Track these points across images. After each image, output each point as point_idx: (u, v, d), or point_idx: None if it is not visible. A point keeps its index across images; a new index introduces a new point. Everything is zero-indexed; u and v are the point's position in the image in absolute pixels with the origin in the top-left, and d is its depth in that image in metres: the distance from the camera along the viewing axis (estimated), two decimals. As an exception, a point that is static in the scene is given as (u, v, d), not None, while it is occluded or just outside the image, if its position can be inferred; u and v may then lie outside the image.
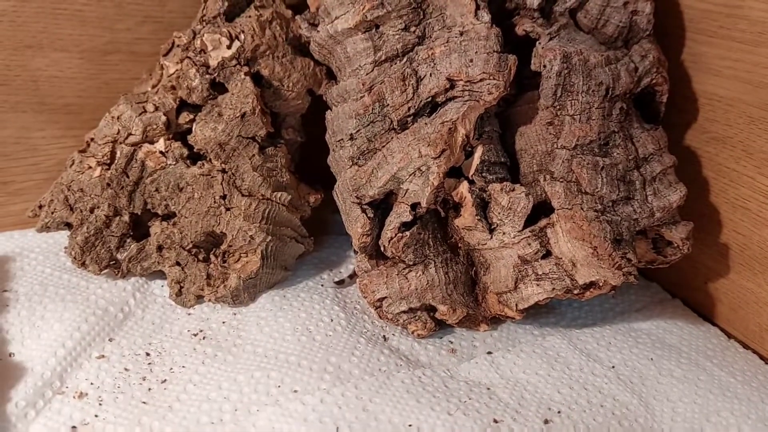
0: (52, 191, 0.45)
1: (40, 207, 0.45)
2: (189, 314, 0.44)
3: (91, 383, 0.39)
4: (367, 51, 0.42)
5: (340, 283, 0.48)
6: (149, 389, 0.38)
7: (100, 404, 0.37)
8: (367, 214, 0.43)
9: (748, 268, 0.44)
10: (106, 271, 0.46)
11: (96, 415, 0.36)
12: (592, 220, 0.39)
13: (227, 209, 0.44)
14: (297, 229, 0.48)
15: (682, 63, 0.45)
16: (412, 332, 0.43)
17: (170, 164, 0.44)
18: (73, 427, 0.36)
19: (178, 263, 0.44)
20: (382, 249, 0.43)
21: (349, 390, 0.38)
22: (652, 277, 0.52)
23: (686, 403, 0.39)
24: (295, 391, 0.38)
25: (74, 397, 0.38)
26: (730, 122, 0.43)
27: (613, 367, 0.42)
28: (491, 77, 0.40)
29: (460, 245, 0.44)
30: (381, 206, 0.44)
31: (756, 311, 0.44)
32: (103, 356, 0.41)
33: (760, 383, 0.41)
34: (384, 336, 0.44)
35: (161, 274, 0.46)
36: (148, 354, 0.41)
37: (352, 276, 0.49)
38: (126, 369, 0.40)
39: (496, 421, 0.37)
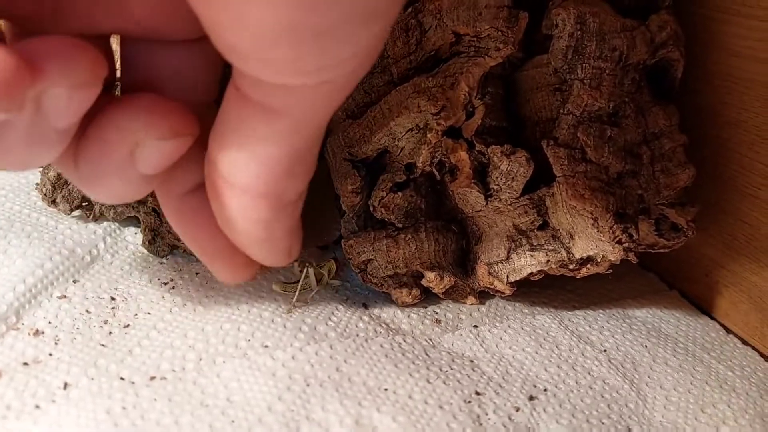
0: (27, 122, 0.42)
1: (13, 138, 0.42)
2: (161, 263, 0.42)
3: (49, 322, 0.36)
4: (371, -2, 0.40)
5: (324, 247, 0.46)
6: (110, 333, 0.36)
7: (56, 343, 0.35)
8: (358, 172, 0.40)
9: (754, 260, 0.42)
10: (77, 212, 0.43)
11: (50, 354, 0.34)
12: (594, 189, 0.37)
13: (211, 155, 0.42)
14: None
15: (699, 42, 0.43)
16: (396, 299, 0.41)
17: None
18: (25, 363, 0.33)
19: (154, 210, 0.42)
20: (371, 210, 0.41)
21: (324, 349, 0.35)
22: (651, 267, 0.49)
23: (681, 393, 0.37)
24: (266, 346, 0.35)
25: (29, 334, 0.35)
26: (746, 105, 0.41)
27: (605, 350, 0.40)
28: (500, 32, 0.38)
29: (453, 213, 0.42)
30: (374, 166, 0.42)
31: (758, 306, 0.42)
32: (64, 296, 0.38)
33: (759, 379, 0.39)
34: (364, 303, 0.41)
35: (135, 222, 0.44)
36: (113, 298, 0.39)
37: (337, 240, 0.46)
38: (87, 311, 0.37)
39: (478, 393, 0.35)
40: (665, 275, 0.49)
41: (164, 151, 0.21)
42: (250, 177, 0.22)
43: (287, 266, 0.38)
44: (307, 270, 0.39)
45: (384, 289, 0.41)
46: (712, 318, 0.45)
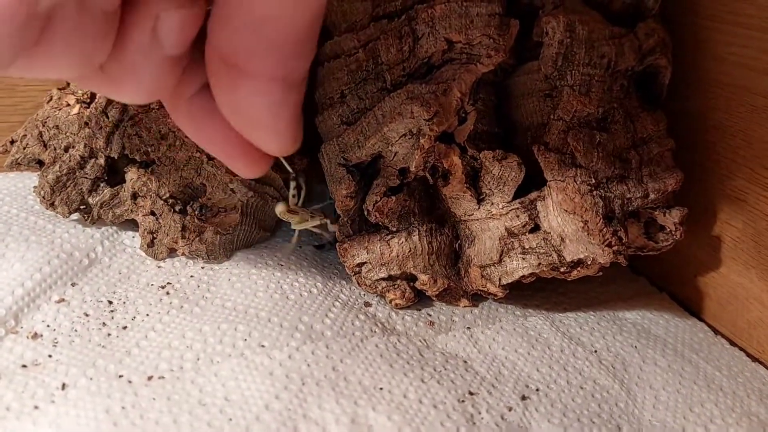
0: (26, 126, 0.43)
1: (12, 142, 0.43)
2: (159, 267, 0.42)
3: (48, 325, 0.37)
4: (365, 5, 0.41)
5: (320, 247, 0.47)
6: (108, 334, 0.36)
7: (54, 345, 0.35)
8: (352, 176, 0.41)
9: (741, 262, 0.43)
10: (75, 215, 0.43)
11: (49, 356, 0.34)
12: (584, 193, 0.38)
13: (209, 159, 0.42)
14: (280, 189, 0.46)
15: (686, 48, 0.44)
16: (390, 301, 0.42)
17: (154, 108, 0.42)
18: (24, 365, 0.34)
19: (152, 213, 0.42)
20: (365, 213, 0.42)
21: (320, 349, 0.36)
22: (640, 270, 0.50)
23: (669, 392, 0.38)
24: (263, 346, 0.36)
25: (28, 337, 0.36)
26: (731, 110, 0.42)
27: (596, 351, 0.40)
28: (491, 40, 0.39)
29: (446, 217, 0.43)
30: (368, 170, 0.42)
31: (746, 307, 0.42)
32: (63, 300, 0.39)
33: (746, 379, 0.39)
34: (360, 302, 0.42)
35: (132, 226, 0.45)
36: (110, 302, 0.39)
37: (333, 242, 0.47)
38: (86, 314, 0.38)
39: (471, 393, 0.35)
40: (655, 279, 0.50)
41: (184, 21, 0.22)
42: (259, 60, 0.22)
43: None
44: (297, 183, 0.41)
45: (377, 292, 0.42)
46: (701, 319, 0.46)
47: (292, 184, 0.42)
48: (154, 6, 0.21)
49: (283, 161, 0.40)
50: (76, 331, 0.37)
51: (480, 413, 0.34)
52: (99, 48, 0.21)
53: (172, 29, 0.22)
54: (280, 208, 0.41)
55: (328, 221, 0.44)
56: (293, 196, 0.42)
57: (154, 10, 0.21)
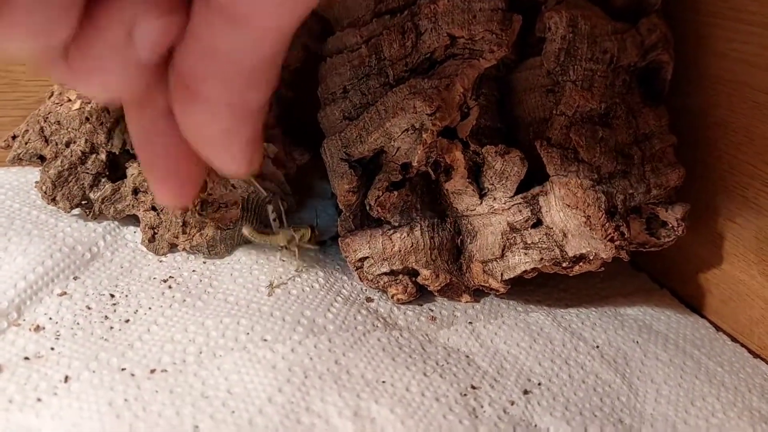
0: (28, 122, 0.43)
1: (14, 137, 0.43)
2: (160, 261, 0.43)
3: (50, 318, 0.37)
4: (367, 1, 0.41)
5: (322, 243, 0.47)
6: (110, 327, 0.36)
7: (57, 338, 0.35)
8: (354, 171, 0.41)
9: (742, 258, 0.43)
10: (77, 210, 0.43)
11: (52, 348, 0.34)
12: (587, 188, 0.38)
13: (210, 154, 0.42)
14: (281, 185, 0.46)
15: (687, 44, 0.44)
16: (392, 296, 0.42)
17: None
18: (26, 357, 0.34)
19: (153, 208, 0.42)
20: (367, 208, 0.42)
21: (323, 342, 0.36)
22: (641, 266, 0.50)
23: (671, 386, 0.38)
24: (265, 340, 0.36)
25: (30, 330, 0.36)
26: (733, 107, 0.42)
27: (597, 346, 0.40)
28: (494, 35, 0.39)
29: (448, 212, 0.43)
30: (370, 165, 0.42)
31: (747, 303, 0.43)
32: (65, 293, 0.39)
33: (747, 374, 0.40)
34: (361, 297, 0.42)
35: (134, 221, 0.44)
36: (112, 295, 0.39)
37: (335, 237, 0.47)
38: (88, 307, 0.38)
39: (473, 387, 0.35)
40: (656, 275, 0.50)
41: (162, 29, 0.21)
42: (213, 86, 0.22)
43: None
44: (278, 217, 0.41)
45: (379, 287, 0.42)
46: (702, 316, 0.46)
47: (270, 208, 0.42)
48: (131, 10, 0.21)
49: (256, 185, 0.40)
50: (78, 324, 0.37)
51: (482, 407, 0.34)
52: (62, 20, 0.20)
53: (150, 36, 0.22)
54: (246, 231, 0.41)
55: (311, 230, 0.44)
56: (274, 220, 0.42)
57: (132, 14, 0.21)
